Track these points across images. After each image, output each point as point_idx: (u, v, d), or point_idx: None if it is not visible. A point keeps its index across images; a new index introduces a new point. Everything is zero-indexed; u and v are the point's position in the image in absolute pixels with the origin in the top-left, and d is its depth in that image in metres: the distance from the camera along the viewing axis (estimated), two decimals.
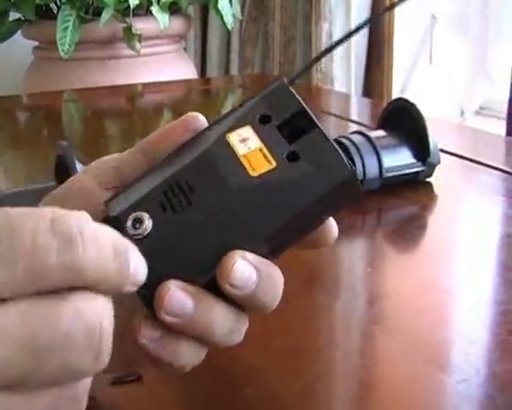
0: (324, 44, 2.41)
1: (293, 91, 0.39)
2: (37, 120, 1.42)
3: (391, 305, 0.61)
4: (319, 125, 0.38)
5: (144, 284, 0.33)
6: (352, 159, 0.79)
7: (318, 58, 0.40)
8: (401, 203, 0.82)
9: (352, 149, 0.79)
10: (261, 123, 0.38)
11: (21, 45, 2.30)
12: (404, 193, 0.82)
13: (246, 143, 0.38)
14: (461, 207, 0.84)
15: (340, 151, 0.37)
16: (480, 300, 0.59)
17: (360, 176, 0.79)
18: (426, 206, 0.83)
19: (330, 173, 0.37)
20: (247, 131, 0.38)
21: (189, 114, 0.40)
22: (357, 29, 0.39)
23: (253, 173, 0.37)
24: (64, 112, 1.51)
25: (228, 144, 0.38)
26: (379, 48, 2.51)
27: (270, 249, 0.37)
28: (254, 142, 0.38)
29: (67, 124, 1.44)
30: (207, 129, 0.39)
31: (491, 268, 0.68)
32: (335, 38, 2.42)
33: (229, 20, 2.22)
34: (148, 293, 0.35)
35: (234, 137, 0.38)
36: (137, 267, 0.31)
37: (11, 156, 1.14)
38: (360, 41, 2.50)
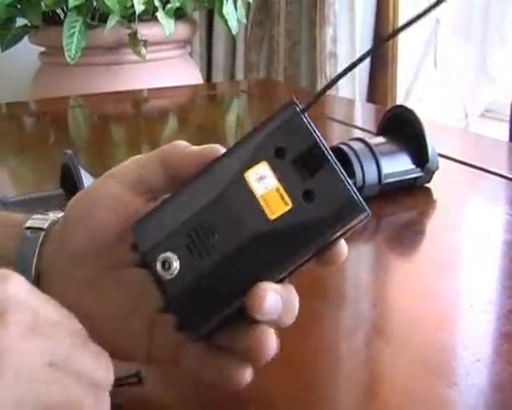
0: (329, 48, 2.42)
1: (308, 121, 0.40)
2: (44, 125, 1.44)
3: (388, 311, 0.62)
4: (333, 159, 0.39)
5: (184, 322, 0.40)
6: (351, 165, 0.80)
7: (330, 86, 0.41)
8: (400, 209, 0.83)
9: (352, 156, 0.81)
10: (276, 157, 0.40)
11: (28, 51, 2.32)
12: (402, 199, 0.83)
13: (263, 181, 0.40)
14: (459, 212, 0.85)
15: (350, 187, 0.39)
16: (476, 305, 0.60)
17: (359, 182, 0.80)
18: (424, 211, 0.84)
19: (344, 214, 0.39)
20: (263, 168, 0.40)
21: (213, 146, 0.42)
22: (364, 57, 0.40)
23: (271, 216, 0.39)
24: (70, 118, 1.53)
25: (246, 184, 0.40)
26: (383, 53, 2.52)
27: (288, 274, 0.41)
28: (271, 181, 0.40)
29: (74, 129, 1.45)
30: (224, 158, 0.41)
31: (489, 274, 0.69)
32: (340, 42, 2.43)
33: (233, 24, 2.24)
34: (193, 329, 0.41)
35: (251, 176, 0.40)
36: None
37: (18, 162, 1.16)
38: (365, 46, 2.50)
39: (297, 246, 0.39)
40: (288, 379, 0.50)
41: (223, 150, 0.42)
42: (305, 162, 0.39)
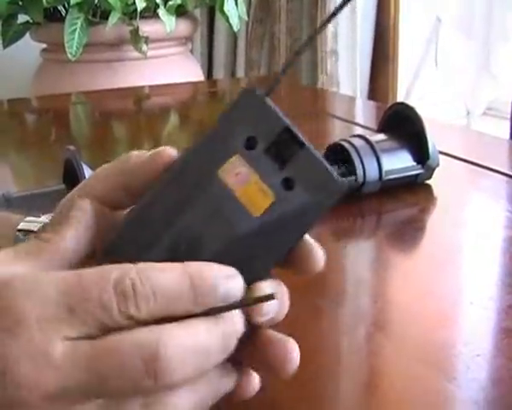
0: (329, 46, 2.42)
1: (271, 105, 0.38)
2: (46, 122, 1.44)
3: (389, 307, 0.63)
4: (304, 141, 0.38)
5: None
6: (352, 162, 0.80)
7: (289, 64, 0.39)
8: (400, 206, 0.83)
9: (353, 152, 0.81)
10: (248, 148, 0.38)
11: (29, 48, 2.32)
12: (403, 196, 0.84)
13: (240, 177, 0.37)
14: (460, 209, 0.86)
15: (328, 166, 0.38)
16: (477, 302, 0.60)
17: (360, 179, 0.80)
18: (425, 208, 0.84)
19: (325, 194, 0.38)
20: (237, 163, 0.37)
21: (161, 149, 0.40)
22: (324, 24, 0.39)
23: (256, 213, 0.37)
24: (72, 114, 1.53)
25: (223, 183, 0.37)
26: (384, 50, 2.52)
27: (275, 266, 0.39)
28: (248, 175, 0.37)
29: (75, 126, 1.45)
30: (190, 159, 0.38)
31: (489, 271, 0.69)
32: (340, 39, 2.43)
33: (234, 22, 2.24)
34: None
35: (226, 173, 0.37)
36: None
37: (20, 159, 1.16)
38: (365, 43, 2.51)
39: (286, 236, 0.38)
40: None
41: (173, 151, 0.39)
42: (279, 149, 0.38)
